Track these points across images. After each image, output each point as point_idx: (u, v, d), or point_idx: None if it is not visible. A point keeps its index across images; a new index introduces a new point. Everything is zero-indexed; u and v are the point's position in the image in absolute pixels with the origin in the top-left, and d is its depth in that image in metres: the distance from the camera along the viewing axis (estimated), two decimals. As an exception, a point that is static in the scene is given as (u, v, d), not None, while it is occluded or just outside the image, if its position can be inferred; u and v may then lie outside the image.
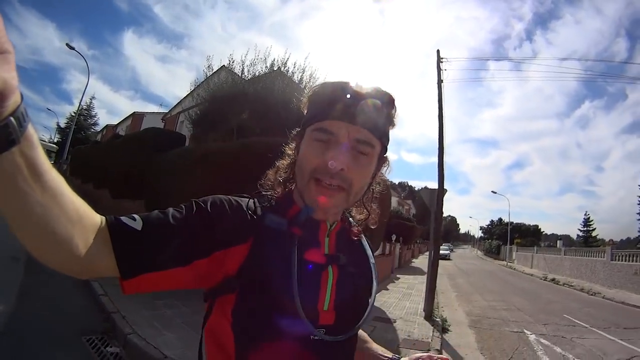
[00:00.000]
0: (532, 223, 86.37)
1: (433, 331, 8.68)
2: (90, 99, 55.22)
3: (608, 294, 19.92)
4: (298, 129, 1.07)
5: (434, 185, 11.83)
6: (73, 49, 26.72)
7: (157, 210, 0.88)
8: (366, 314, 1.03)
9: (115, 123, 44.38)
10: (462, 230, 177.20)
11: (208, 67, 13.04)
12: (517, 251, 49.58)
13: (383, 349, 1.26)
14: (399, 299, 12.95)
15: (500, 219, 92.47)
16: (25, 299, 5.67)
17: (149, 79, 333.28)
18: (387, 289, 15.12)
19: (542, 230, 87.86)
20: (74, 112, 39.62)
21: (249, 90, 10.83)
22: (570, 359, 7.61)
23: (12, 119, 0.51)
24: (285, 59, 11.69)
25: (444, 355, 1.11)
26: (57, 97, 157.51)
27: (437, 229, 11.46)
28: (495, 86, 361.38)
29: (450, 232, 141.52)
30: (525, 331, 9.84)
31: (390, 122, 1.01)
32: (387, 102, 0.98)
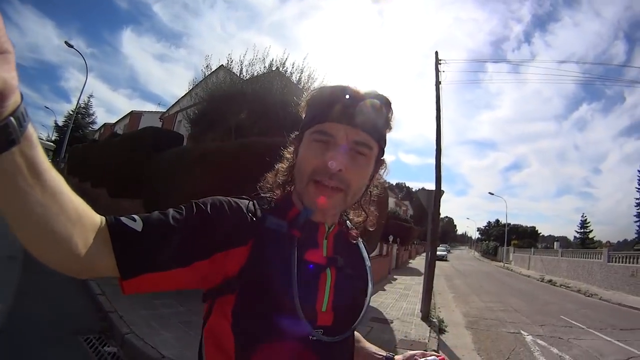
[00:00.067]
0: (529, 224, 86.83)
1: (430, 332, 8.69)
2: (89, 98, 55.33)
3: (605, 295, 19.96)
4: (296, 133, 1.08)
5: (431, 186, 11.86)
6: (72, 47, 26.77)
7: (158, 212, 0.88)
8: (362, 314, 1.04)
9: (113, 122, 44.35)
10: (460, 231, 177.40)
11: (206, 66, 13.05)
12: (514, 252, 49.74)
13: (377, 347, 1.27)
14: (396, 300, 12.95)
15: (497, 221, 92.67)
16: (23, 298, 5.65)
17: (148, 78, 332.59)
18: (385, 290, 15.12)
19: (539, 232, 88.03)
20: (72, 111, 39.77)
21: (247, 90, 10.84)
22: (567, 360, 7.64)
23: (12, 118, 0.51)
24: (284, 59, 11.72)
25: (440, 354, 1.11)
26: (55, 95, 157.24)
27: (434, 230, 11.46)
28: (493, 88, 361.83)
29: (447, 233, 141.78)
30: (522, 332, 9.87)
31: (387, 125, 1.03)
32: (385, 105, 1.00)
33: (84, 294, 6.47)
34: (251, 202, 1.02)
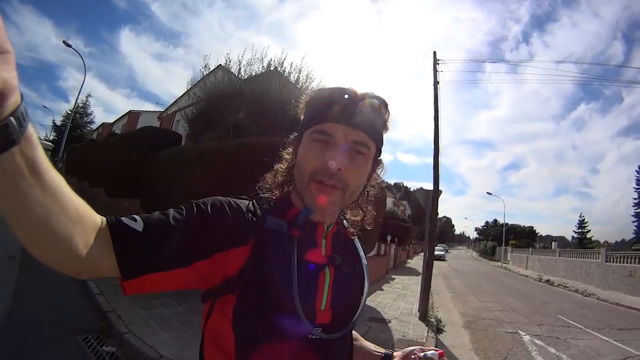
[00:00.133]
0: (527, 224, 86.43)
1: (428, 332, 8.70)
2: (87, 97, 55.36)
3: (602, 295, 20.00)
4: (295, 134, 1.10)
5: (429, 186, 11.87)
6: (70, 46, 26.68)
7: (158, 212, 0.89)
8: (358, 312, 1.06)
9: (112, 121, 44.29)
10: (458, 231, 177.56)
11: (205, 66, 13.02)
12: (512, 252, 49.72)
13: (375, 345, 1.29)
14: (394, 300, 12.95)
15: (495, 220, 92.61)
16: (21, 298, 5.65)
17: (146, 77, 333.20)
18: (382, 290, 15.13)
19: (537, 232, 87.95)
20: (70, 110, 39.70)
21: (245, 89, 10.83)
22: (564, 360, 7.65)
23: (12, 118, 0.51)
24: (282, 59, 11.68)
25: (438, 348, 1.12)
26: (53, 94, 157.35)
27: (432, 230, 11.49)
28: (491, 88, 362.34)
29: (445, 233, 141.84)
30: (520, 332, 9.87)
31: (384, 125, 1.06)
32: (382, 106, 1.02)
33: (82, 293, 6.46)
34: (251, 202, 1.03)
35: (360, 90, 0.98)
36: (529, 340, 9.03)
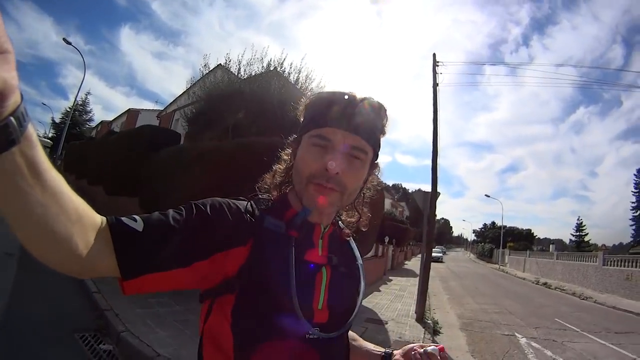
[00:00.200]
0: (525, 227, 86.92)
1: (424, 333, 8.71)
2: (86, 95, 55.13)
3: (599, 298, 20.01)
4: (294, 136, 1.12)
5: (428, 187, 11.86)
6: (70, 44, 26.68)
7: (158, 212, 0.89)
8: (355, 311, 1.07)
9: (111, 119, 44.35)
10: (456, 233, 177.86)
11: (204, 65, 13.02)
12: (509, 255, 49.70)
13: (374, 345, 1.30)
14: (391, 301, 12.94)
15: (493, 223, 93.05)
16: (19, 295, 5.64)
17: (145, 76, 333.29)
18: (380, 291, 15.11)
19: (535, 234, 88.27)
20: (69, 108, 39.60)
21: (245, 89, 10.83)
22: (560, 363, 7.66)
23: (12, 118, 0.51)
24: (282, 59, 11.68)
25: (439, 343, 1.13)
26: (52, 91, 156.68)
27: (429, 231, 11.49)
28: (491, 90, 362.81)
29: (443, 234, 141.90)
30: (517, 334, 9.89)
31: (382, 130, 1.07)
32: (380, 112, 1.04)
33: (80, 291, 6.45)
34: (249, 203, 1.04)
35: (359, 94, 1.00)
36: (526, 342, 9.05)
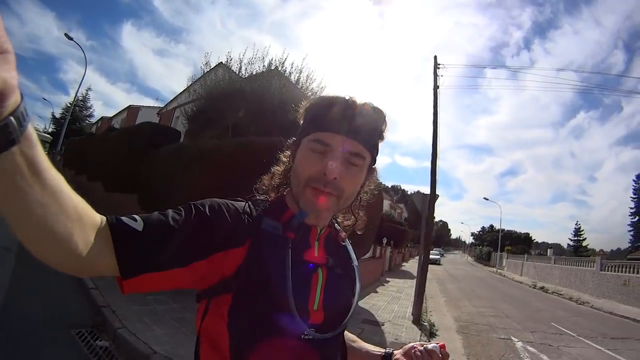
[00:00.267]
0: (523, 231, 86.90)
1: (420, 335, 8.73)
2: (87, 90, 55.07)
3: (596, 303, 20.05)
4: (294, 138, 1.13)
5: (426, 189, 11.88)
6: (71, 39, 26.61)
7: (157, 212, 0.90)
8: (350, 312, 1.08)
9: (111, 115, 44.31)
10: (454, 235, 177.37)
11: (206, 63, 13.00)
12: (507, 258, 49.78)
13: (374, 346, 1.31)
14: (388, 302, 12.97)
15: (491, 226, 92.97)
16: (16, 290, 5.65)
17: (146, 72, 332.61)
18: (377, 292, 15.14)
19: (533, 238, 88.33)
20: (70, 103, 39.64)
21: (245, 88, 10.83)
22: (556, 367, 7.67)
23: (12, 118, 0.51)
24: (283, 59, 11.67)
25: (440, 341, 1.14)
26: (53, 87, 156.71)
27: (427, 234, 11.50)
28: (491, 93, 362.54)
29: (441, 237, 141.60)
30: (513, 338, 9.91)
31: (380, 136, 1.09)
32: (379, 117, 1.05)
33: (77, 287, 6.46)
34: (247, 204, 1.05)
35: (359, 99, 1.01)
36: (522, 346, 9.07)
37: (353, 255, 1.21)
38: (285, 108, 9.09)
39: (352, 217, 1.24)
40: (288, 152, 1.16)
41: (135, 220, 0.83)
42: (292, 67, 11.61)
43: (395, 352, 1.20)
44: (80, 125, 49.20)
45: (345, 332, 1.27)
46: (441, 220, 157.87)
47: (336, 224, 1.22)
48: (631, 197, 61.60)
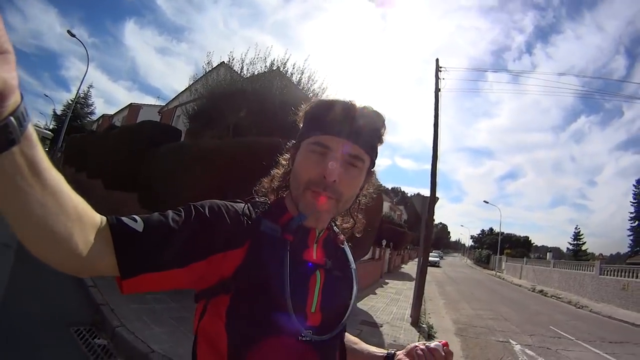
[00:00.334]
0: (522, 234, 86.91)
1: (419, 337, 8.72)
2: (88, 88, 55.12)
3: (595, 307, 20.06)
4: (294, 141, 1.14)
5: (427, 192, 11.88)
6: (74, 36, 26.60)
7: (157, 213, 0.90)
8: (347, 314, 1.09)
9: (112, 113, 44.26)
10: (453, 238, 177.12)
11: (207, 62, 12.98)
12: (506, 261, 49.76)
13: (376, 347, 1.31)
14: (387, 304, 12.95)
15: (491, 229, 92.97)
16: (15, 287, 5.65)
17: (148, 71, 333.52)
18: (375, 294, 15.12)
19: (532, 242, 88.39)
20: (71, 100, 39.69)
21: (247, 88, 10.81)
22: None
23: (12, 118, 0.51)
24: (285, 60, 11.66)
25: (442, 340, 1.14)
26: (55, 83, 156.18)
27: (427, 236, 11.50)
28: (492, 97, 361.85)
29: (440, 239, 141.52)
30: (511, 341, 9.90)
31: (379, 139, 1.10)
32: (378, 121, 1.07)
33: (76, 285, 6.46)
34: (246, 206, 1.06)
35: (359, 103, 1.02)
36: (520, 349, 9.06)
37: (351, 258, 1.21)
38: (286, 109, 9.08)
39: (351, 219, 1.24)
40: (287, 155, 1.18)
41: (136, 221, 0.83)
42: (293, 68, 11.62)
43: (397, 352, 1.21)
44: (82, 122, 49.26)
45: (347, 334, 1.27)
46: (441, 223, 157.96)
47: (335, 227, 1.22)
48: (631, 201, 61.80)
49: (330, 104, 1.03)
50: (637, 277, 20.97)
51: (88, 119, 53.30)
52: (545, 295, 26.08)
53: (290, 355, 0.95)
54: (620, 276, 22.34)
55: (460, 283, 30.42)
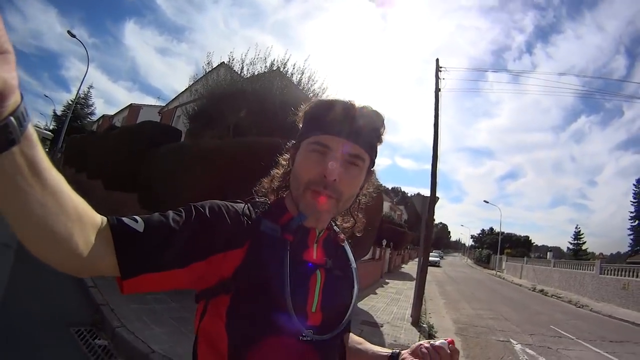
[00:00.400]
0: (523, 234, 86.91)
1: (419, 337, 8.71)
2: (88, 88, 55.19)
3: (595, 307, 20.05)
4: (294, 141, 1.14)
5: (427, 191, 11.88)
6: (74, 36, 26.58)
7: (158, 213, 0.90)
8: (348, 314, 1.09)
9: (112, 113, 44.30)
10: (453, 237, 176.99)
11: (208, 63, 12.95)
12: (507, 261, 49.76)
13: (380, 347, 1.30)
14: (387, 304, 12.95)
15: (491, 229, 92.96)
16: (15, 287, 5.64)
17: (148, 71, 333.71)
18: (376, 294, 15.12)
19: (532, 242, 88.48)
20: (72, 100, 39.66)
21: (247, 88, 10.79)
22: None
23: (12, 118, 0.51)
24: (285, 60, 11.63)
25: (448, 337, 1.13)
26: (55, 83, 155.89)
27: (427, 236, 11.49)
28: (492, 97, 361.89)
29: (441, 239, 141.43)
30: (512, 340, 9.90)
31: (379, 139, 1.11)
32: (378, 121, 1.07)
33: (76, 286, 6.46)
34: (247, 206, 1.06)
35: (358, 103, 1.03)
36: (521, 349, 9.06)
37: (352, 257, 1.21)
38: (286, 109, 9.05)
39: (351, 219, 1.25)
40: (287, 155, 1.18)
41: (136, 221, 0.83)
42: (294, 68, 11.59)
43: (402, 352, 1.20)
44: (82, 122, 49.28)
45: (351, 334, 1.29)
46: (441, 223, 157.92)
47: (335, 226, 1.22)
48: (631, 201, 61.89)
49: (330, 104, 1.03)
50: (637, 276, 21.00)
51: (88, 119, 53.34)
52: (546, 295, 26.07)
53: (290, 355, 0.95)
54: (621, 275, 22.37)
55: (461, 283, 30.42)
